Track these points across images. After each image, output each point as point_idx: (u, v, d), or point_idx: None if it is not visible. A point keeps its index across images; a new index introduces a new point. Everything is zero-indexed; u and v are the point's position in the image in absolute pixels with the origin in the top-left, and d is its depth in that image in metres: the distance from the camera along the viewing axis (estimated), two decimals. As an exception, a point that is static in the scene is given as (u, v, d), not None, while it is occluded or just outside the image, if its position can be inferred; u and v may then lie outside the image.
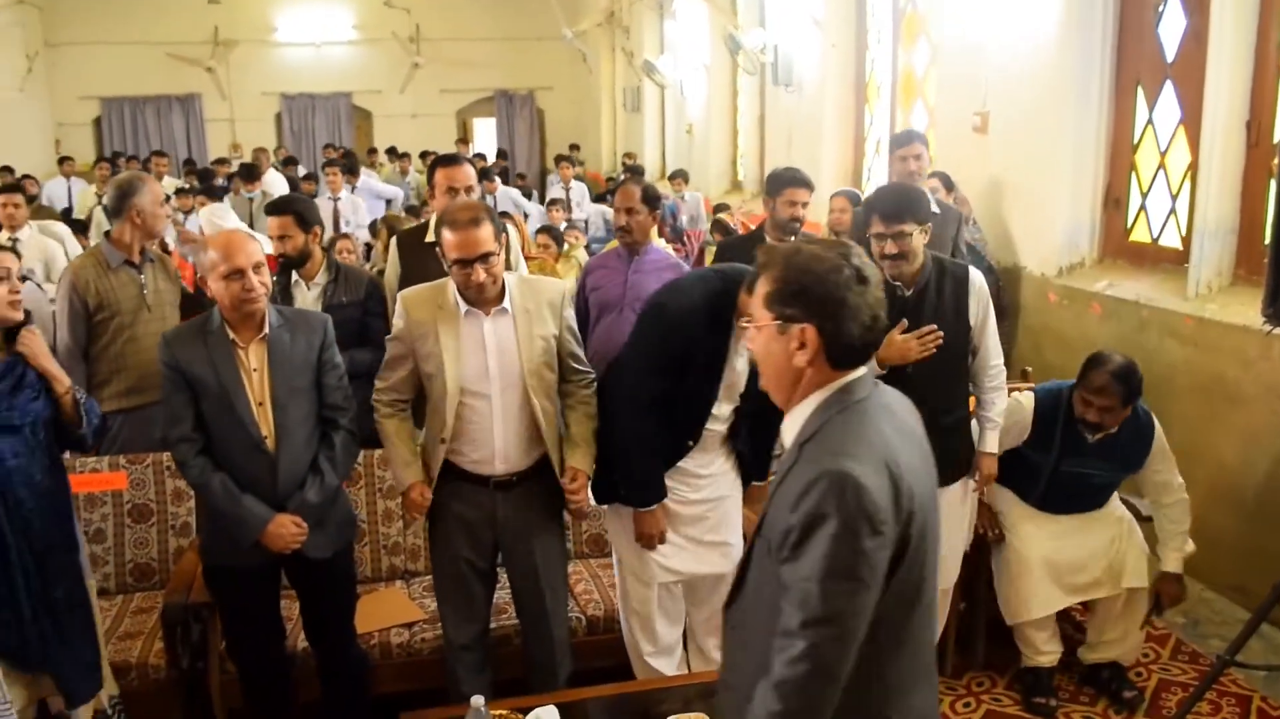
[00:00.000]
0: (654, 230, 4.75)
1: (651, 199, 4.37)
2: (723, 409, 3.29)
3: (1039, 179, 5.73)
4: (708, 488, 3.36)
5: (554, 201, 9.88)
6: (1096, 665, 3.84)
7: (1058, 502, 3.75)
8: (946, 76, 6.93)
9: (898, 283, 3.37)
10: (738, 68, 11.05)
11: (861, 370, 1.85)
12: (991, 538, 3.79)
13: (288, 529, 2.98)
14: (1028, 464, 3.71)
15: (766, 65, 9.80)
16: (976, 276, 3.44)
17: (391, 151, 15.11)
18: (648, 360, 3.19)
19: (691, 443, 3.29)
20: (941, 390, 3.37)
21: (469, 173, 4.04)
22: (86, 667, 3.02)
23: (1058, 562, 3.68)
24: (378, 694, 3.41)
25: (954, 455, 3.49)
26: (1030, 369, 4.86)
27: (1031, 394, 3.73)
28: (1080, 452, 3.59)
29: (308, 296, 4.13)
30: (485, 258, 2.96)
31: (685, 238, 8.63)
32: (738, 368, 3.23)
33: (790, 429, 1.86)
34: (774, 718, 1.72)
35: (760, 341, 1.86)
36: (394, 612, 3.67)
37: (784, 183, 4.49)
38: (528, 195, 11.96)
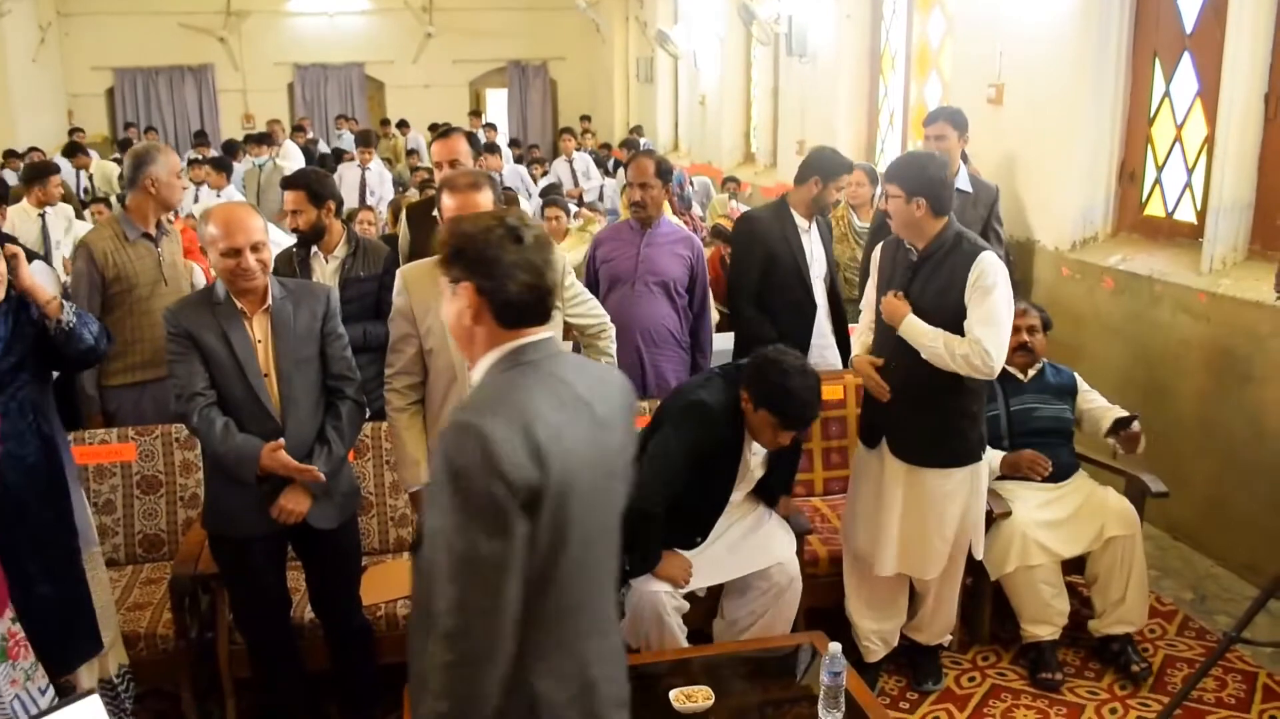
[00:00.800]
0: (665, 203, 4.74)
1: (665, 172, 4.40)
2: (736, 497, 3.51)
3: (1053, 152, 5.67)
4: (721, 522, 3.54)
5: (550, 189, 8.60)
6: (1107, 639, 3.85)
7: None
8: (961, 48, 6.85)
9: (911, 246, 3.42)
10: (752, 38, 10.95)
11: (542, 334, 1.89)
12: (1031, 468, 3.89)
13: (281, 453, 2.97)
14: (986, 423, 3.79)
15: (781, 36, 9.70)
16: (986, 257, 3.28)
17: (402, 125, 15.08)
18: (681, 445, 3.26)
19: (700, 539, 3.47)
20: (922, 367, 3.32)
21: (456, 146, 4.10)
22: (81, 630, 3.04)
23: (1045, 524, 3.80)
24: (384, 664, 3.43)
25: (935, 439, 3.44)
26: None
27: None
28: (1020, 390, 4.06)
29: (326, 270, 4.13)
30: None
31: (691, 217, 8.56)
32: (751, 465, 3.45)
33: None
34: (449, 668, 1.71)
35: (444, 306, 1.94)
36: (401, 583, 3.67)
37: (841, 169, 4.47)
38: (537, 164, 11.82)
